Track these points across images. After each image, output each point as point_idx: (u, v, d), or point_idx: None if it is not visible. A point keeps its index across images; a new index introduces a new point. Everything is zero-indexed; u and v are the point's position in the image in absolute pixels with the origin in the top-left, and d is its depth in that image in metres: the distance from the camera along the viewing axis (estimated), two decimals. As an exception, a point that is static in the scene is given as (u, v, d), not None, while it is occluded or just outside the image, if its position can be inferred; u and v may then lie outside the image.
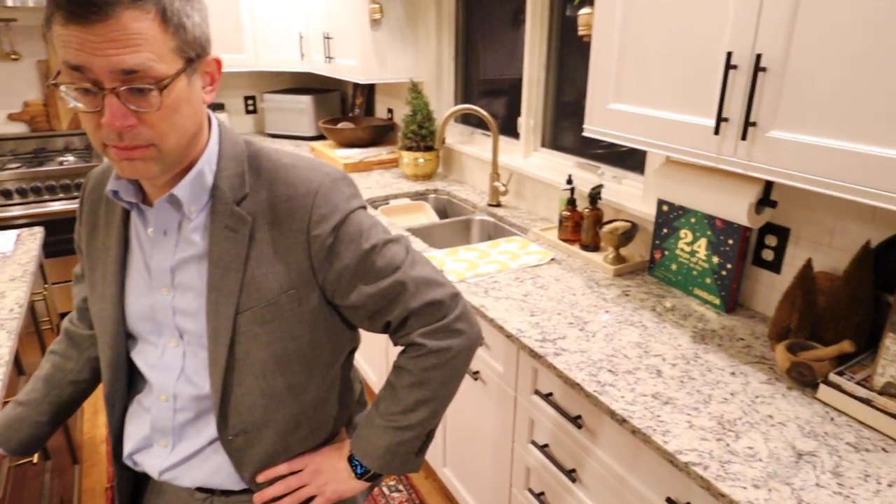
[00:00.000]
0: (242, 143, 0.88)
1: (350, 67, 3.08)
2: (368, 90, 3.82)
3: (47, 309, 2.04)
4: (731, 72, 1.20)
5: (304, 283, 0.86)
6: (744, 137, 1.19)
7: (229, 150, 0.86)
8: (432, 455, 2.19)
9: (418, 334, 0.93)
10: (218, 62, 0.81)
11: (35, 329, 1.90)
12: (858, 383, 1.20)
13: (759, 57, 1.14)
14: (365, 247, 0.87)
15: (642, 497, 1.22)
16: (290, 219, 0.84)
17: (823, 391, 1.23)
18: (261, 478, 0.94)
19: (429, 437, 1.00)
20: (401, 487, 2.26)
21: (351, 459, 0.99)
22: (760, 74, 1.15)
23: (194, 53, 0.75)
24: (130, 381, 0.97)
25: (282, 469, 0.95)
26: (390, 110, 3.62)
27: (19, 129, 3.55)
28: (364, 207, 0.91)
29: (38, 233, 2.14)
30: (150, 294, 0.88)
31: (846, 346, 1.25)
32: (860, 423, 1.17)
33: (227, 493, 0.96)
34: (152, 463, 0.95)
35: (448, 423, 2.02)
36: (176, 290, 0.87)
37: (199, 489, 0.96)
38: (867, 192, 1.02)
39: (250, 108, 4.19)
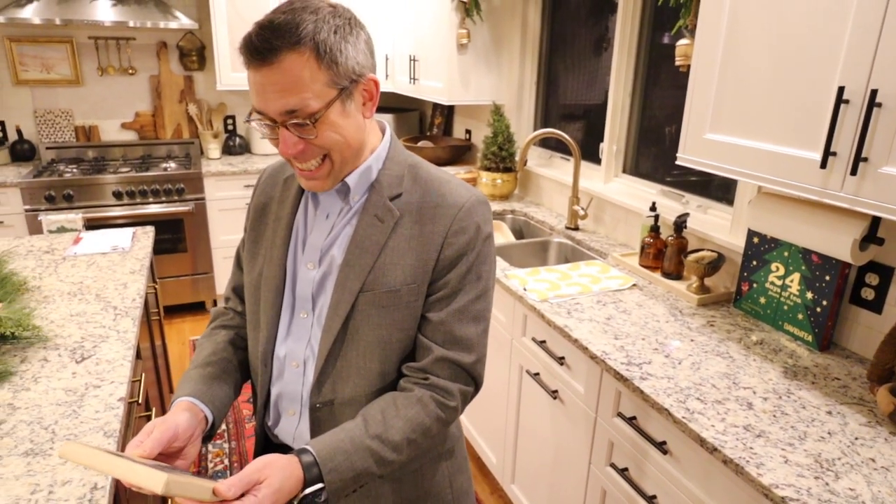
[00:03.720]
0: (407, 154, 0.99)
1: (435, 89, 3.18)
2: (447, 111, 3.92)
3: (157, 302, 2.20)
4: (843, 106, 1.19)
5: (424, 279, 0.93)
6: (853, 172, 1.18)
7: (395, 156, 0.97)
8: (500, 470, 2.20)
9: (458, 386, 0.95)
10: (375, 82, 0.90)
11: (147, 319, 2.04)
12: (969, 432, 1.15)
13: (874, 93, 1.13)
14: (475, 283, 0.95)
15: (730, 529, 1.21)
16: (433, 222, 0.93)
17: (929, 437, 1.19)
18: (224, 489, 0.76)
19: (358, 487, 0.91)
20: (467, 502, 2.28)
21: (308, 470, 0.83)
22: (875, 110, 1.14)
23: (347, 81, 0.85)
24: None
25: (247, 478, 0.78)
26: (468, 131, 3.70)
27: (130, 136, 3.84)
28: (492, 234, 0.98)
29: (150, 231, 2.31)
30: (299, 267, 0.98)
31: (955, 392, 1.21)
32: (970, 473, 1.12)
33: None
34: (286, 431, 1.02)
35: (520, 438, 2.04)
36: (320, 268, 0.96)
37: None
38: None
39: (334, 124, 4.37)
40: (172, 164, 3.63)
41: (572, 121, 2.92)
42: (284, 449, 1.05)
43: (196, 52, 3.81)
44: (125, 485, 0.77)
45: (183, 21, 3.47)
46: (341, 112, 0.86)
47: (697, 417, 1.26)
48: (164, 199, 3.45)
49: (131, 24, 3.38)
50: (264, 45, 0.79)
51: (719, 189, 2.10)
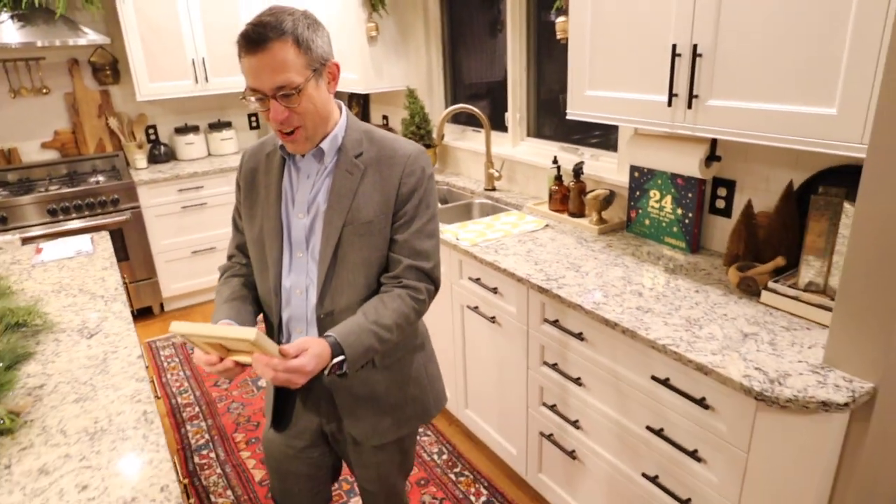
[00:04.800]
0: (361, 122, 1.30)
1: (351, 80, 3.45)
2: (363, 100, 4.19)
3: (128, 296, 2.37)
4: (677, 58, 1.60)
5: (388, 211, 1.25)
6: (690, 107, 1.59)
7: (353, 125, 1.28)
8: (454, 402, 2.55)
9: (423, 285, 1.27)
10: (336, 66, 1.20)
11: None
12: (789, 286, 1.59)
13: (695, 46, 1.54)
14: (425, 210, 1.28)
15: (632, 382, 1.60)
16: (390, 169, 1.24)
17: (765, 295, 1.63)
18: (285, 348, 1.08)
19: (367, 361, 1.24)
20: (429, 432, 2.63)
21: (333, 348, 1.14)
22: (698, 59, 1.55)
23: (318, 64, 1.15)
24: None
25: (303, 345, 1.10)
26: (385, 117, 4.00)
27: (51, 155, 3.87)
28: (433, 174, 1.31)
29: (105, 235, 2.48)
30: (291, 218, 1.27)
31: (780, 261, 1.66)
32: (791, 314, 1.56)
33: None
34: None
35: (468, 367, 2.39)
36: (309, 215, 1.26)
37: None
38: (781, 138, 1.42)
39: (254, 124, 4.55)
40: (101, 178, 3.72)
41: (479, 98, 3.28)
42: None
43: (109, 67, 3.88)
44: (200, 358, 1.08)
45: (92, 37, 3.53)
46: (315, 87, 1.16)
47: (602, 307, 1.65)
48: (99, 211, 3.54)
49: (39, 44, 3.42)
50: (259, 37, 1.08)
51: (604, 140, 2.52)
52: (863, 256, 1.23)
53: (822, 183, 1.65)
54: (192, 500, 1.21)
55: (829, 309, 1.50)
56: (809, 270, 1.56)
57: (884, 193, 1.16)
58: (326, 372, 1.14)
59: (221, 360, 1.08)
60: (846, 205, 1.45)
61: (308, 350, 1.09)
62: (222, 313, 1.25)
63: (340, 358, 1.15)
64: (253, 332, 0.98)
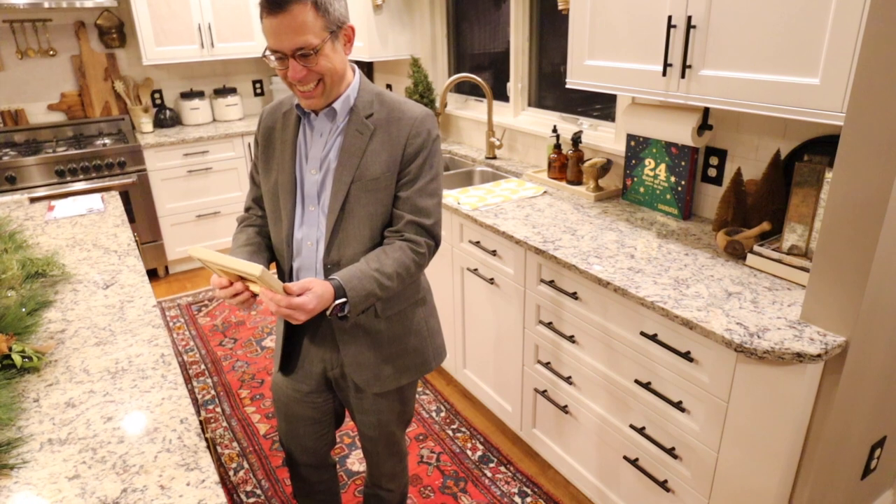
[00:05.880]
0: (373, 85, 1.36)
1: (356, 48, 3.48)
2: (368, 68, 4.22)
3: (139, 252, 2.46)
4: (672, 30, 1.65)
5: (394, 169, 1.32)
6: (683, 76, 1.65)
7: (366, 87, 1.34)
8: (452, 362, 2.65)
9: (423, 240, 1.34)
10: (352, 28, 1.26)
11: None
12: (773, 250, 1.67)
13: (690, 18, 1.59)
14: (429, 171, 1.35)
15: (622, 338, 1.69)
16: (398, 129, 1.31)
17: (750, 258, 1.71)
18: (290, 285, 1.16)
19: (368, 306, 1.32)
20: (427, 391, 2.73)
21: (337, 290, 1.22)
22: (692, 30, 1.60)
23: (335, 27, 1.21)
24: None
25: (306, 284, 1.18)
26: (389, 85, 4.03)
27: (58, 117, 3.91)
28: (439, 136, 1.37)
29: (115, 195, 2.55)
30: (305, 173, 1.35)
31: (765, 225, 1.73)
32: (774, 276, 1.64)
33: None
34: None
35: (467, 329, 2.48)
36: (321, 171, 1.33)
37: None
38: (768, 107, 1.49)
39: (258, 91, 4.58)
40: (107, 141, 3.77)
41: (482, 68, 3.32)
42: None
43: (116, 30, 3.90)
44: (217, 286, 1.19)
45: (98, -1, 3.56)
46: (332, 48, 1.22)
47: (596, 267, 1.73)
48: (106, 173, 3.61)
49: (46, 4, 3.46)
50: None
51: (603, 110, 2.57)
52: (838, 218, 1.30)
53: (808, 152, 1.72)
54: (208, 435, 1.30)
55: (809, 270, 1.58)
56: (792, 235, 1.64)
57: (858, 159, 1.23)
58: (328, 313, 1.22)
59: (232, 284, 1.17)
60: (828, 172, 1.51)
61: (311, 290, 1.17)
62: (240, 255, 1.33)
63: (342, 300, 1.23)
64: (258, 269, 1.06)
